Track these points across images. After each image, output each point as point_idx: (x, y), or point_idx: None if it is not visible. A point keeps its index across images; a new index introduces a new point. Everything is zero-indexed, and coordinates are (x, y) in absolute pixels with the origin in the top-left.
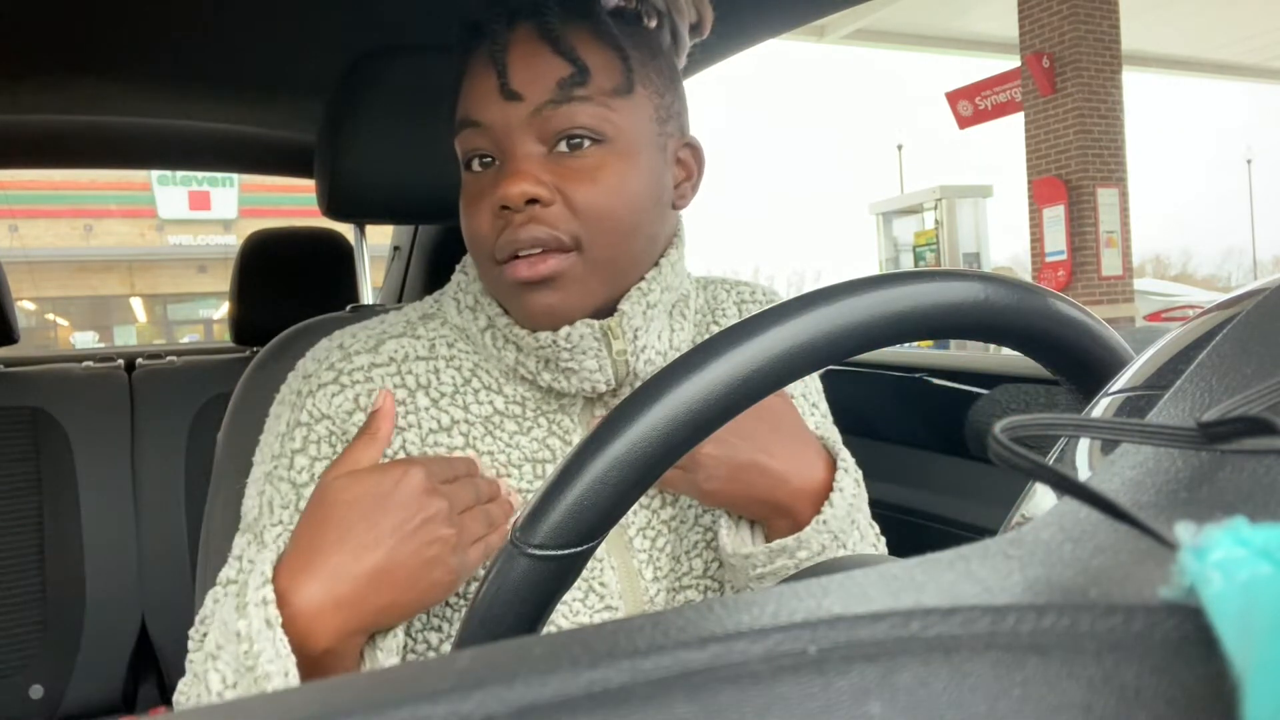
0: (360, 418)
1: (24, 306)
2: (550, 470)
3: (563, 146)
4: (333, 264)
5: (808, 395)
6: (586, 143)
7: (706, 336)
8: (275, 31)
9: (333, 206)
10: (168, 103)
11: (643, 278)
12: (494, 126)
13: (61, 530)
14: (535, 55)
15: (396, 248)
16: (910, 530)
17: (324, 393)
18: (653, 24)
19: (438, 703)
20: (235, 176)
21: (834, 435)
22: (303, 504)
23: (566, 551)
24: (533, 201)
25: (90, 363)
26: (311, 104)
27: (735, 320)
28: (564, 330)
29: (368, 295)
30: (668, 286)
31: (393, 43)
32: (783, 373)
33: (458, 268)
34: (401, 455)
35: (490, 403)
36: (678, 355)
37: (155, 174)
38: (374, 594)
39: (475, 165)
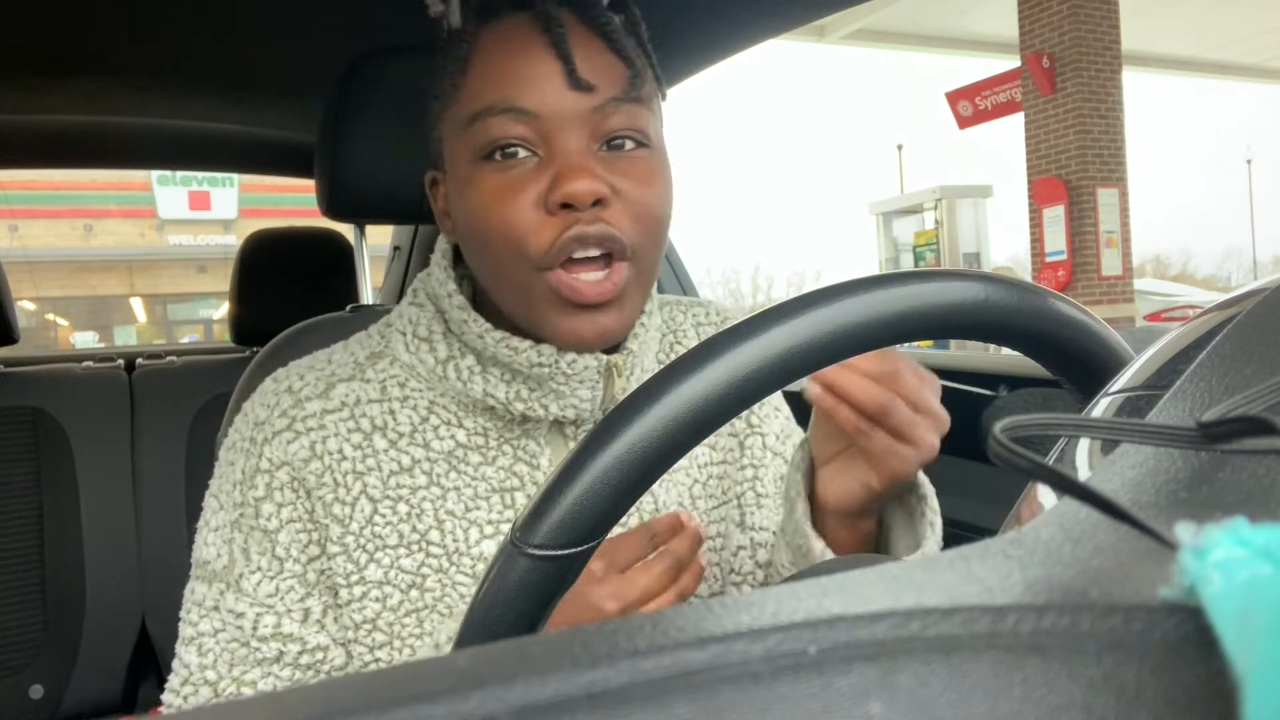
0: (317, 465)
1: (24, 306)
2: (543, 482)
3: (605, 147)
4: (333, 264)
5: (770, 399)
6: (630, 145)
7: (669, 357)
8: (275, 31)
9: (333, 206)
10: (168, 103)
11: (642, 309)
12: (546, 115)
13: (61, 530)
14: (592, 46)
15: (396, 248)
16: None
17: (279, 440)
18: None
19: (438, 703)
20: (235, 176)
21: (799, 433)
22: (279, 550)
23: (566, 551)
24: (596, 201)
25: (90, 363)
26: (311, 104)
27: (694, 342)
28: (569, 356)
29: (368, 295)
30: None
31: (393, 43)
32: (783, 372)
33: (406, 298)
34: (363, 500)
35: (452, 437)
36: (646, 375)
37: (155, 174)
38: None
39: (498, 156)
